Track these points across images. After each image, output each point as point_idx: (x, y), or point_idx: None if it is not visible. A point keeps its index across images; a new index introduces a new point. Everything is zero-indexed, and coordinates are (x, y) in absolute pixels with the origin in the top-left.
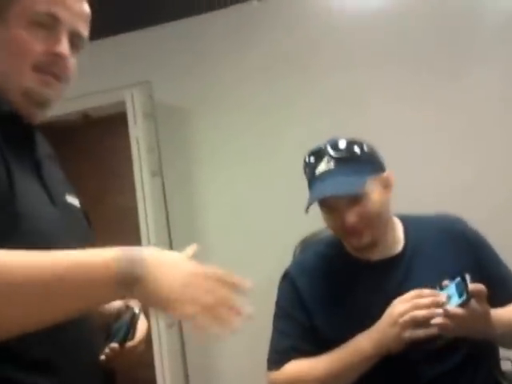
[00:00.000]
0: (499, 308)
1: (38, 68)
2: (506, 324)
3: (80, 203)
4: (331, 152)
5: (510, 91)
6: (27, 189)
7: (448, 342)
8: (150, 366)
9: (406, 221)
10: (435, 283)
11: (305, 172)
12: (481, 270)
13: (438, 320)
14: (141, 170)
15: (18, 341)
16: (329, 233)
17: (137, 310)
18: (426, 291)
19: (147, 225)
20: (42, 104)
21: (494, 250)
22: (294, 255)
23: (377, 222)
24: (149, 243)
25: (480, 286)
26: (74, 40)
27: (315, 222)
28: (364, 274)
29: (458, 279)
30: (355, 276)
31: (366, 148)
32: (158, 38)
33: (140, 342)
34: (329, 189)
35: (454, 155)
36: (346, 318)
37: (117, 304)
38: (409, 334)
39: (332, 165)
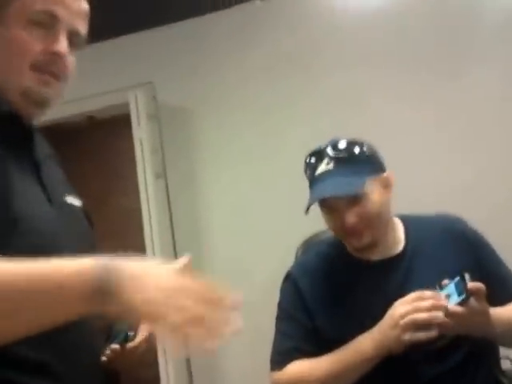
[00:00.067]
0: (499, 307)
1: (37, 67)
2: (506, 323)
3: (82, 203)
4: (331, 153)
5: (509, 91)
6: (25, 189)
7: (449, 342)
8: (154, 365)
9: (407, 221)
10: (435, 283)
11: (305, 173)
12: (481, 270)
13: (437, 319)
14: (144, 172)
15: (18, 344)
16: (330, 234)
17: None
18: (427, 293)
19: (151, 226)
20: (41, 103)
21: (493, 250)
22: (296, 256)
23: (377, 222)
24: (152, 244)
25: (479, 285)
26: (73, 38)
27: (317, 223)
28: (365, 274)
29: (458, 278)
30: (356, 276)
31: (365, 148)
32: (161, 39)
33: (141, 343)
34: (328, 189)
35: (453, 155)
36: (346, 317)
37: None
38: (409, 336)
39: (332, 165)
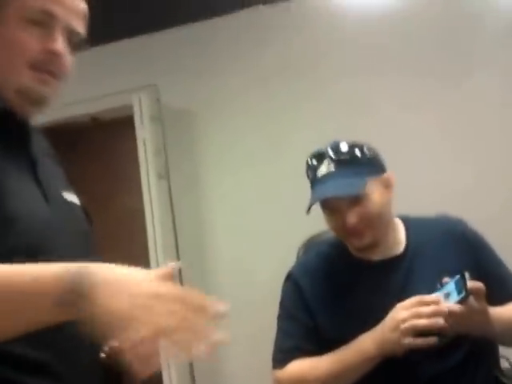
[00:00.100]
0: (499, 307)
1: (35, 66)
2: (506, 322)
3: (80, 201)
4: (332, 155)
5: (510, 96)
6: (21, 187)
7: (449, 341)
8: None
9: (408, 222)
10: (436, 284)
11: (307, 174)
12: (480, 270)
13: (438, 325)
14: (147, 173)
15: (18, 343)
16: (332, 234)
17: None
18: (429, 298)
19: (154, 227)
20: (39, 102)
21: (493, 251)
22: (298, 256)
23: (378, 222)
24: (155, 244)
25: (478, 284)
26: (71, 37)
27: (319, 224)
28: (365, 274)
29: (458, 277)
30: (357, 276)
31: (366, 150)
32: (165, 43)
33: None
34: (329, 190)
35: (455, 158)
36: (347, 317)
37: None
38: (408, 341)
39: (333, 167)
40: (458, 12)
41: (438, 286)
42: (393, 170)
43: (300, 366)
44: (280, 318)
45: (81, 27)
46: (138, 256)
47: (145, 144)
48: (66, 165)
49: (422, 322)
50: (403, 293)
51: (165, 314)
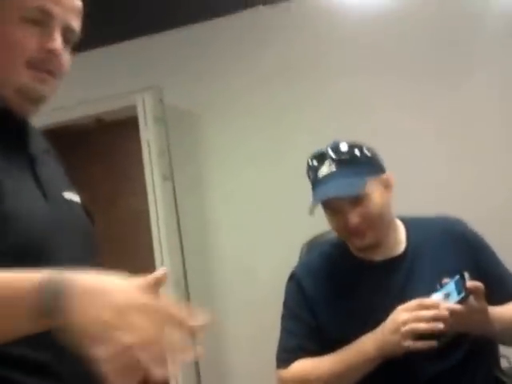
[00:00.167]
0: (498, 306)
1: (33, 65)
2: (505, 321)
3: (82, 200)
4: (333, 155)
5: (509, 99)
6: (19, 186)
7: (450, 340)
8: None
9: (408, 223)
10: (436, 284)
11: (308, 175)
12: (480, 271)
13: (438, 329)
14: (152, 174)
15: (18, 344)
16: (334, 234)
17: None
18: (429, 302)
19: (158, 227)
20: (37, 100)
21: (493, 251)
22: (301, 256)
23: (379, 222)
24: (160, 245)
25: (478, 284)
26: (67, 35)
27: (321, 224)
28: (367, 274)
29: (457, 277)
30: (359, 276)
31: (365, 150)
32: (169, 44)
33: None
34: (331, 191)
35: (453, 159)
36: (349, 317)
37: None
38: (408, 343)
39: (334, 167)
40: (457, 13)
41: (438, 286)
42: (393, 170)
43: (303, 365)
44: (284, 317)
45: (76, 25)
46: (143, 257)
47: (149, 145)
48: (71, 166)
49: (422, 326)
50: (404, 293)
51: (139, 325)
